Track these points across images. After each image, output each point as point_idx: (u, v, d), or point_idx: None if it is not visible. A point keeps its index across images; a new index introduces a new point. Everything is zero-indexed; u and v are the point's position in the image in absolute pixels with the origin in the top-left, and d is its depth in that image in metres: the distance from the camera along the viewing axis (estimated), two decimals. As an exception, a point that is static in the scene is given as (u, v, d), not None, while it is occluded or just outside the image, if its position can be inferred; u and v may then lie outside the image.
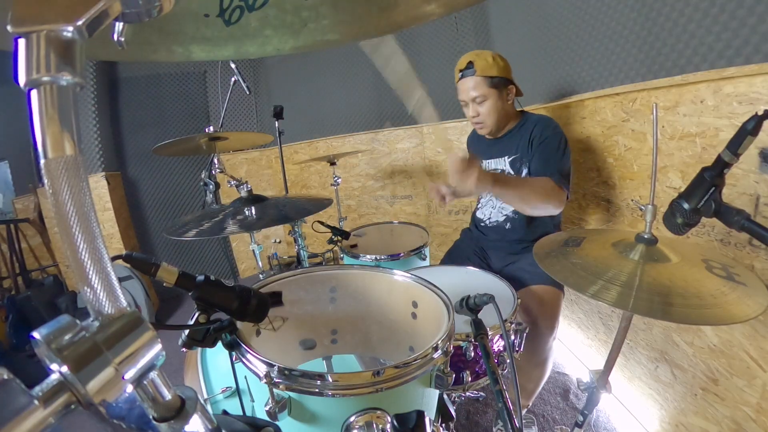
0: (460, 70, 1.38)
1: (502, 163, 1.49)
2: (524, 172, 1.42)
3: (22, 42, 0.28)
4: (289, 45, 0.46)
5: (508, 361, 0.98)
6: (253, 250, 1.54)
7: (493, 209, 1.57)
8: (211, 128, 1.59)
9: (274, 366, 0.59)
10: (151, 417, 0.32)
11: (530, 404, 1.46)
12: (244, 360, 0.64)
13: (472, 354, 0.94)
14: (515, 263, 1.50)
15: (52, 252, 3.02)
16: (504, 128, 1.48)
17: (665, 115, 1.15)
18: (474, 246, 1.64)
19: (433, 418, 0.75)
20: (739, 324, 0.94)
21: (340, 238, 1.67)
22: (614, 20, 1.34)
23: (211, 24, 0.42)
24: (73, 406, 0.26)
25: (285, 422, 0.60)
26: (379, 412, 0.60)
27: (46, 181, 0.28)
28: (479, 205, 1.66)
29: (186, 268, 0.60)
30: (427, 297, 0.85)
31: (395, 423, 0.59)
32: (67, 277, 2.89)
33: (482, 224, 1.62)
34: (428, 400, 0.71)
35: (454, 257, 1.63)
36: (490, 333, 0.77)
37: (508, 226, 1.51)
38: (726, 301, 0.64)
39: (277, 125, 2.11)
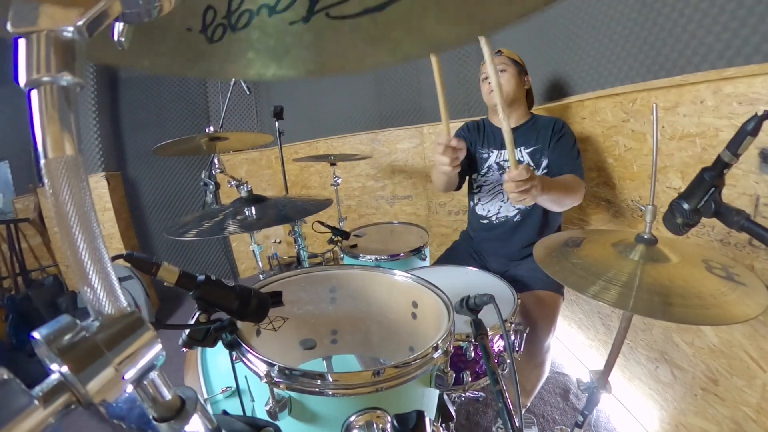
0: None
1: (518, 154, 1.46)
2: (544, 162, 1.43)
3: (22, 42, 0.28)
4: (271, 71, 0.45)
5: (508, 361, 0.98)
6: (253, 251, 1.54)
7: (504, 202, 1.49)
8: (211, 128, 1.59)
9: (274, 365, 0.59)
10: (151, 417, 0.32)
11: (529, 403, 1.46)
12: (244, 360, 0.64)
13: (472, 354, 0.94)
14: (514, 268, 1.49)
15: (52, 252, 3.02)
16: (512, 108, 1.49)
17: (665, 116, 1.15)
18: (472, 250, 1.61)
19: (433, 418, 0.75)
20: (739, 324, 0.94)
21: (340, 238, 1.67)
22: (614, 20, 1.34)
23: (194, 39, 0.41)
24: (73, 406, 0.26)
25: (285, 422, 0.60)
26: (379, 411, 0.60)
27: (46, 181, 0.28)
28: (478, 201, 1.56)
29: (186, 268, 0.60)
30: (427, 297, 0.85)
31: (395, 423, 0.59)
32: (67, 277, 2.88)
33: (485, 221, 1.53)
34: (428, 400, 0.71)
35: (451, 259, 1.59)
36: (490, 333, 0.77)
37: (521, 219, 1.46)
38: (726, 301, 0.64)
39: (277, 125, 2.11)
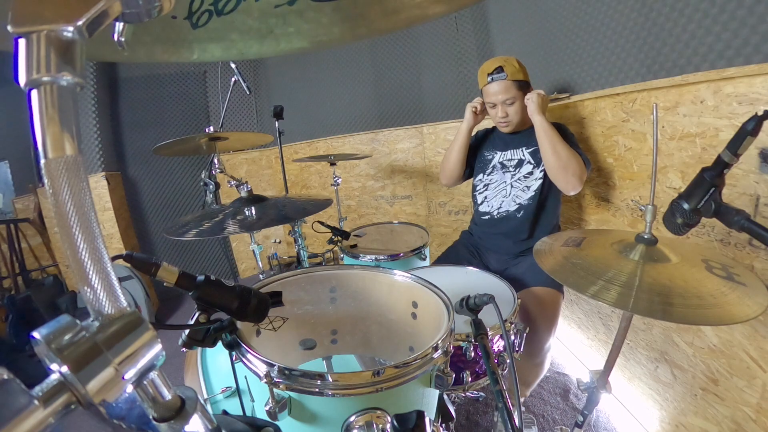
0: (489, 74, 1.45)
1: (520, 153, 1.54)
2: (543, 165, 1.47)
3: (22, 42, 0.28)
4: (254, 50, 0.46)
5: (508, 361, 0.98)
6: (253, 250, 1.54)
7: (506, 198, 1.55)
8: (211, 128, 1.59)
9: (274, 366, 0.59)
10: (151, 417, 0.32)
11: (528, 393, 1.49)
12: (244, 360, 0.64)
13: (472, 354, 0.94)
14: (514, 267, 1.50)
15: (52, 252, 3.02)
16: (523, 125, 1.54)
17: (665, 116, 1.15)
18: (472, 248, 1.64)
19: (433, 418, 0.75)
20: (739, 324, 0.94)
21: (340, 238, 1.67)
22: (614, 20, 1.34)
23: (177, 26, 0.42)
24: (73, 406, 0.26)
25: (285, 422, 0.60)
26: (379, 412, 0.60)
27: (46, 181, 0.28)
28: (484, 199, 1.62)
29: (186, 268, 0.60)
30: (427, 297, 0.85)
31: (395, 423, 0.59)
32: (67, 277, 2.88)
33: (486, 217, 1.59)
34: (428, 400, 0.71)
35: (450, 258, 1.61)
36: (490, 333, 0.77)
37: (521, 214, 1.51)
38: (726, 301, 0.64)
39: (277, 125, 2.11)
